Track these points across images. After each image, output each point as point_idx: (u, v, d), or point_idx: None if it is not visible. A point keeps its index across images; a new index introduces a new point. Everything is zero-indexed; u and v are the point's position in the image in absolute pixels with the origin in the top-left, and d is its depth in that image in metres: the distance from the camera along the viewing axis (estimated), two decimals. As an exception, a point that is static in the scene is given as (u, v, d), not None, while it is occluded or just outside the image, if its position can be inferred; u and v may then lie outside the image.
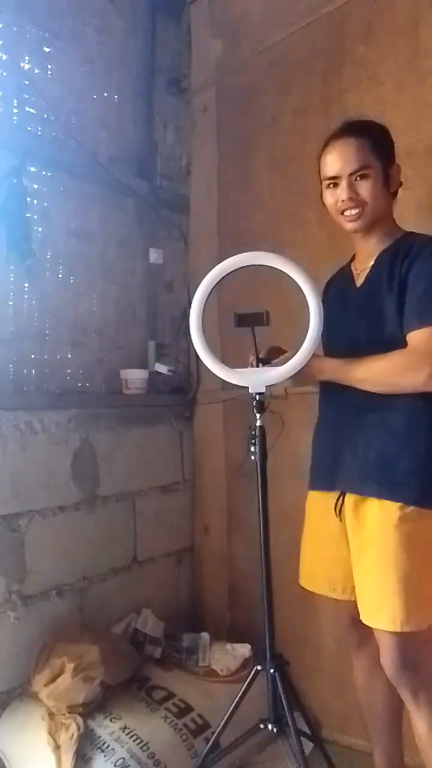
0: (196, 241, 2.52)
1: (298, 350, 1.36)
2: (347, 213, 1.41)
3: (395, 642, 1.31)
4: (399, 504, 1.30)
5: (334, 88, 1.99)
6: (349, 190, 1.38)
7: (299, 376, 1.38)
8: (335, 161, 1.39)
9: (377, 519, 1.33)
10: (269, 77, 2.22)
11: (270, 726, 1.50)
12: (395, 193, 1.45)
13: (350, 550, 1.40)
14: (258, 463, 1.46)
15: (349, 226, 1.43)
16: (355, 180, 1.38)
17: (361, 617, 1.36)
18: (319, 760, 1.62)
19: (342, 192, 1.39)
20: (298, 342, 1.36)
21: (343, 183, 1.39)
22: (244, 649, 2.04)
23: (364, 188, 1.38)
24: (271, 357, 1.46)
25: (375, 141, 1.38)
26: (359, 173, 1.37)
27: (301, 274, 1.36)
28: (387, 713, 1.50)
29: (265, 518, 1.48)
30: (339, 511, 1.43)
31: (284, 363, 1.38)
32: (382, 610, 1.30)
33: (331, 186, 1.42)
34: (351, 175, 1.38)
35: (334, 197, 1.42)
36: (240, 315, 1.40)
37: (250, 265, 1.41)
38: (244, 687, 1.50)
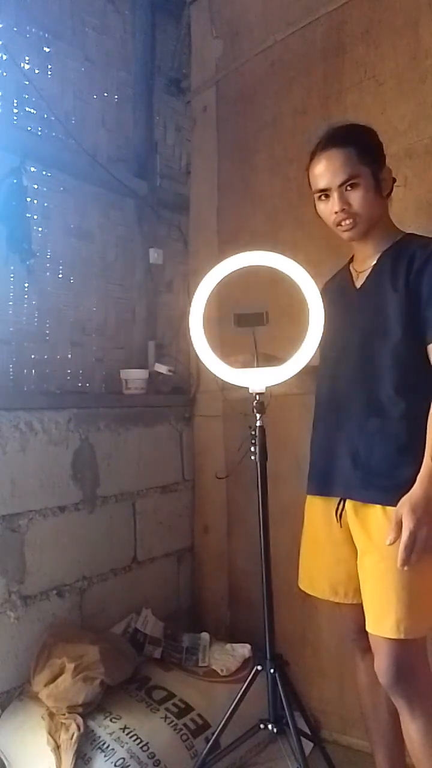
0: (196, 241, 2.52)
1: (298, 351, 1.36)
2: (342, 224, 1.40)
3: (393, 649, 1.30)
4: None
5: (334, 88, 1.99)
6: (340, 202, 1.37)
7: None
8: (324, 174, 1.38)
9: (382, 525, 1.31)
10: (269, 77, 2.22)
11: (270, 726, 1.50)
12: (389, 194, 1.43)
13: (357, 554, 1.39)
14: (258, 463, 1.46)
15: (346, 236, 1.42)
16: (346, 190, 1.36)
17: (366, 624, 1.35)
18: (319, 760, 1.61)
19: (334, 204, 1.38)
20: (298, 342, 1.37)
21: (334, 195, 1.37)
22: (243, 649, 2.03)
23: (356, 198, 1.36)
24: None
25: (362, 148, 1.36)
26: (349, 183, 1.36)
27: (301, 275, 1.36)
28: (391, 714, 1.49)
29: (264, 518, 1.48)
30: (339, 516, 1.42)
31: (284, 363, 1.38)
32: (385, 617, 1.29)
33: (323, 198, 1.41)
34: (341, 186, 1.36)
35: (327, 209, 1.41)
36: (240, 315, 1.40)
37: (250, 266, 1.42)
38: (244, 687, 1.50)
